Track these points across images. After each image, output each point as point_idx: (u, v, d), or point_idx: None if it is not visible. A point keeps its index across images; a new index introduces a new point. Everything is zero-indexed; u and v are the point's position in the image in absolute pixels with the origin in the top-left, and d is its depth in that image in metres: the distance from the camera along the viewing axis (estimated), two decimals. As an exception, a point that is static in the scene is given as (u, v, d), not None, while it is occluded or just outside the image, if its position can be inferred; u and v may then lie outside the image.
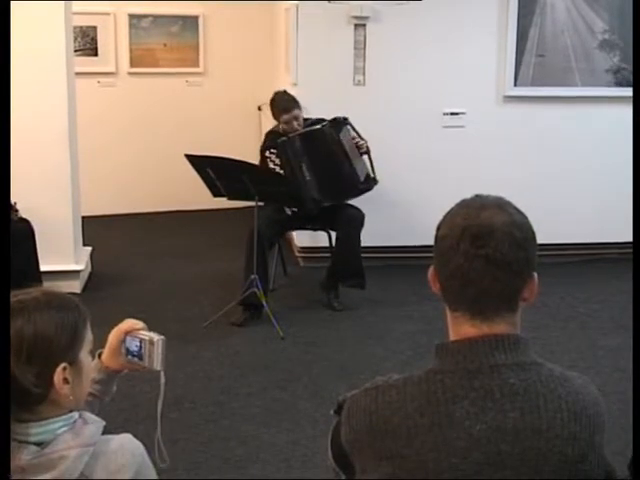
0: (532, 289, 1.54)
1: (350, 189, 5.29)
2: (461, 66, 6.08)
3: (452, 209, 1.56)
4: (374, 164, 5.37)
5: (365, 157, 5.37)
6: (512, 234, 1.49)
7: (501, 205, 1.54)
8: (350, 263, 5.31)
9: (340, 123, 5.25)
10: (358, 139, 5.31)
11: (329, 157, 5.20)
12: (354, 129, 5.33)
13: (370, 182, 5.37)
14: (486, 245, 1.47)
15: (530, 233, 1.52)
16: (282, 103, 5.29)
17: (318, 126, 5.22)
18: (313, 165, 5.20)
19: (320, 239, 5.63)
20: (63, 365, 1.61)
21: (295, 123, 5.25)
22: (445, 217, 1.56)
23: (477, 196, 1.57)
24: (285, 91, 5.41)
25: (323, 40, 5.99)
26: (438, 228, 1.55)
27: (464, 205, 1.55)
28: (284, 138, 5.20)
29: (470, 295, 1.50)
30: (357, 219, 5.28)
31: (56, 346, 1.60)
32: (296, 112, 5.25)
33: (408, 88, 6.08)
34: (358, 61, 6.02)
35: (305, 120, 5.34)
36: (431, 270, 1.57)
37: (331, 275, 5.39)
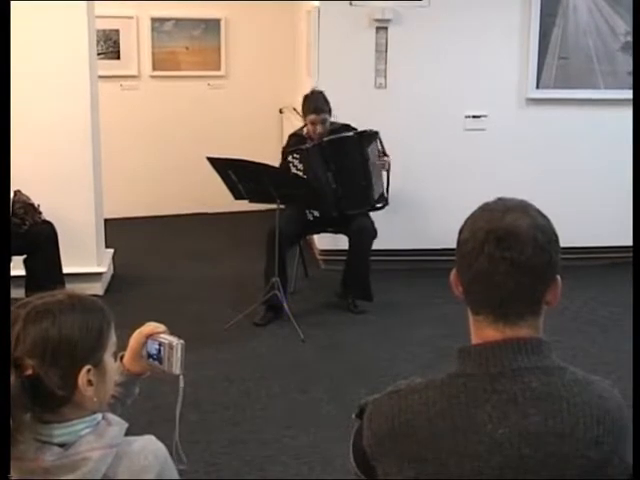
0: (555, 293, 1.53)
1: (361, 204, 5.30)
2: (483, 68, 6.06)
3: (474, 213, 1.56)
4: (390, 181, 5.40)
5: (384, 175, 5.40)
6: (536, 237, 1.48)
7: (524, 208, 1.53)
8: (357, 275, 5.33)
9: (370, 136, 5.25)
10: (383, 156, 5.31)
11: (351, 168, 5.22)
12: (382, 144, 5.33)
13: (382, 201, 5.38)
14: (511, 248, 1.47)
15: (553, 236, 1.52)
16: (315, 103, 5.27)
17: (350, 133, 5.22)
18: (337, 172, 5.22)
19: (341, 242, 5.64)
20: (87, 367, 1.62)
21: (320, 127, 5.24)
22: (467, 221, 1.55)
23: (500, 199, 1.57)
24: (322, 92, 5.39)
25: (345, 43, 5.99)
26: (460, 231, 1.55)
27: (487, 209, 1.55)
28: (308, 145, 5.21)
29: (493, 299, 1.50)
30: (368, 231, 5.27)
31: (81, 348, 1.61)
32: (325, 116, 5.24)
33: (430, 91, 6.06)
34: (380, 64, 6.02)
35: (330, 124, 5.34)
36: (453, 273, 1.56)
37: (343, 282, 5.42)
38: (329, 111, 5.26)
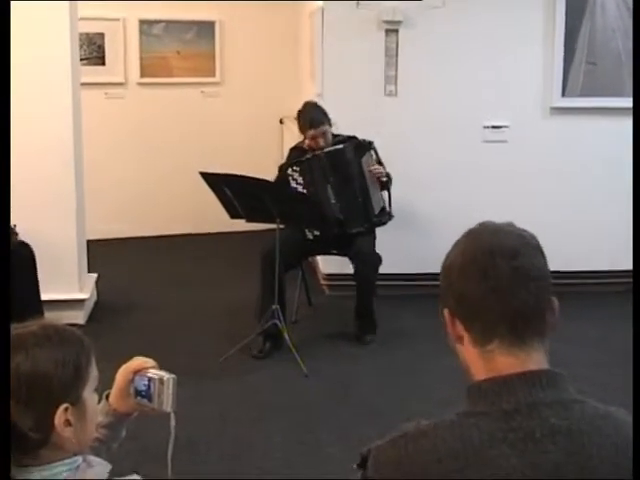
0: (554, 312, 1.57)
1: (362, 220, 5.33)
2: (503, 74, 6.09)
3: (460, 240, 1.60)
4: (395, 195, 5.43)
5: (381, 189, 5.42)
6: (537, 247, 1.55)
7: (513, 226, 1.59)
8: (360, 306, 5.38)
9: (364, 147, 5.31)
10: (379, 167, 5.34)
11: (347, 181, 5.27)
12: (377, 155, 5.37)
13: (384, 216, 5.41)
14: (515, 257, 1.51)
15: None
16: (310, 116, 5.31)
17: (340, 146, 5.27)
18: (336, 186, 5.27)
19: (347, 265, 5.63)
20: (65, 406, 1.62)
21: (322, 140, 5.27)
22: (453, 247, 1.59)
23: (482, 223, 1.61)
24: (316, 103, 5.44)
25: (351, 47, 6.02)
26: (446, 260, 1.59)
27: (473, 231, 1.60)
28: (309, 155, 5.26)
29: (506, 315, 1.51)
30: (370, 260, 5.29)
31: (57, 385, 1.61)
32: (324, 128, 5.27)
33: (445, 99, 6.09)
34: (390, 70, 6.05)
35: (334, 137, 5.37)
36: (445, 313, 1.59)
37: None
38: (328, 122, 5.29)
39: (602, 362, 5.07)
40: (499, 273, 1.50)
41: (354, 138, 5.35)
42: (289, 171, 5.32)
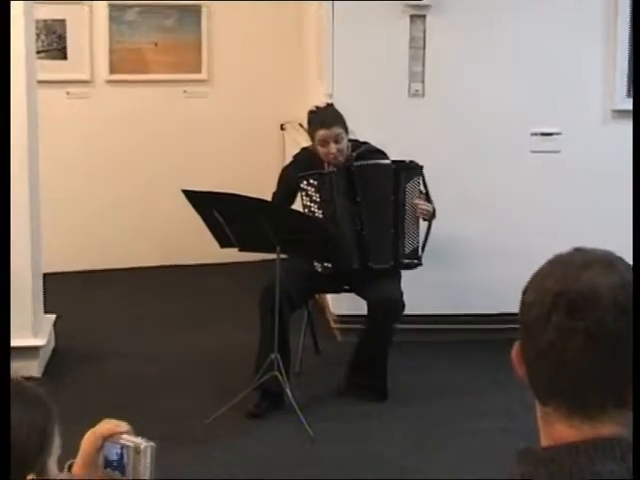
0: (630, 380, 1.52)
1: (389, 256, 5.35)
2: (555, 71, 6.08)
3: (543, 268, 1.58)
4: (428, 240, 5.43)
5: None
6: (617, 300, 1.49)
7: (610, 262, 1.55)
8: (370, 359, 5.36)
9: (413, 169, 5.33)
10: (427, 204, 5.35)
11: (380, 205, 5.30)
12: (425, 184, 5.38)
13: (413, 259, 5.43)
14: (586, 317, 1.48)
15: (633, 295, 1.51)
16: (322, 116, 5.32)
17: (386, 161, 5.29)
18: (364, 210, 5.30)
19: (363, 304, 5.62)
20: (31, 477, 1.63)
21: (334, 146, 5.24)
22: (533, 278, 1.57)
23: (577, 250, 1.58)
24: (332, 104, 5.48)
25: (368, 37, 6.01)
26: (524, 292, 1.57)
27: (559, 263, 1.57)
28: (331, 169, 5.26)
29: (566, 384, 1.51)
30: (391, 306, 5.26)
31: (22, 453, 1.62)
32: (337, 130, 5.25)
33: (483, 101, 6.08)
34: (415, 65, 6.04)
35: (360, 145, 5.39)
36: (516, 348, 1.58)
37: (353, 362, 5.44)
38: (344, 126, 5.29)
39: None
40: (556, 333, 1.49)
41: (381, 152, 5.39)
42: (303, 184, 5.30)
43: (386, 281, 5.30)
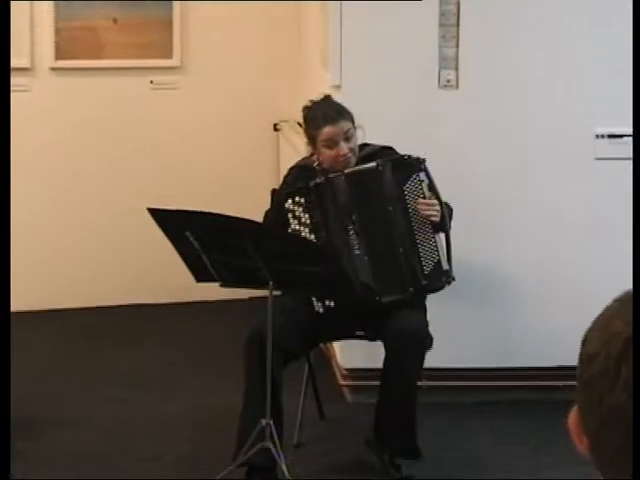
0: None
1: (402, 282, 5.32)
2: (623, 59, 5.99)
3: (609, 307, 1.59)
4: (451, 247, 5.39)
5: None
6: None
7: None
8: (394, 413, 5.34)
9: (409, 166, 5.33)
10: (431, 202, 5.29)
11: (380, 220, 5.36)
12: (430, 179, 5.33)
13: (440, 276, 5.37)
14: None
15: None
16: (323, 111, 5.34)
17: (372, 164, 5.30)
18: (363, 229, 5.35)
19: (380, 356, 5.54)
20: None
21: (345, 145, 5.23)
22: (597, 321, 1.59)
23: None
24: (330, 96, 5.49)
25: (384, 15, 6.01)
26: (584, 341, 1.59)
27: (630, 300, 1.57)
28: (320, 180, 5.26)
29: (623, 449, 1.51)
30: (415, 337, 5.24)
31: None
32: (346, 125, 5.25)
33: (533, 95, 6.08)
34: (447, 48, 6.03)
35: (360, 148, 5.36)
36: (573, 413, 1.60)
37: (376, 426, 5.41)
38: (351, 119, 5.30)
39: None
40: (626, 395, 1.50)
41: (389, 149, 5.38)
42: (288, 204, 5.31)
43: (404, 312, 5.28)
